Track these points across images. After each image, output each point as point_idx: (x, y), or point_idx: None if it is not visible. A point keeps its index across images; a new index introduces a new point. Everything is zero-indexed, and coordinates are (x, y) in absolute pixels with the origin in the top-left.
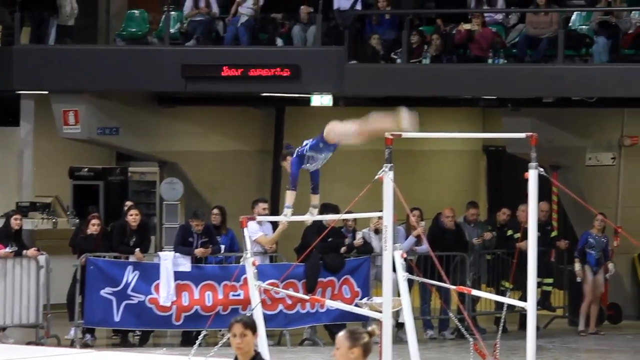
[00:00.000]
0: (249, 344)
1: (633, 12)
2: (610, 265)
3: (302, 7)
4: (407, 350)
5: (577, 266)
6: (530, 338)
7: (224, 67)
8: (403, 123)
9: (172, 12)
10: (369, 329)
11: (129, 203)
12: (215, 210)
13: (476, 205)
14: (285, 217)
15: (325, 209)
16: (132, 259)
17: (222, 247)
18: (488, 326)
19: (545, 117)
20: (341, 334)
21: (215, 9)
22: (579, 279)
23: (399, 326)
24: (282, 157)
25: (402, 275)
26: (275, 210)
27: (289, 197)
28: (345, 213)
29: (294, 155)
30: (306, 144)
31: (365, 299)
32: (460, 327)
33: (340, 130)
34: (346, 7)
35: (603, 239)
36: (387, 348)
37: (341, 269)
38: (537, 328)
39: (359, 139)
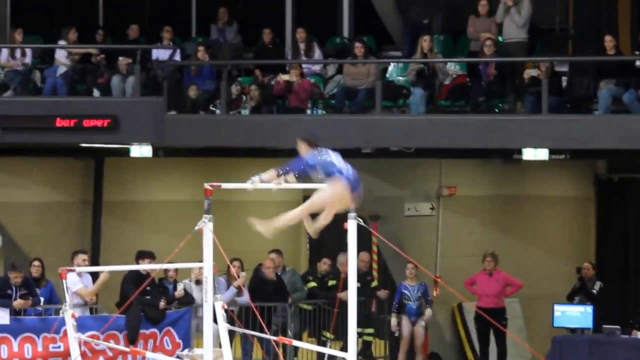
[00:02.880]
0: None
1: (449, 63)
2: (427, 312)
3: (120, 58)
4: None
5: (393, 320)
6: None
7: (40, 118)
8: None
9: None
10: None
11: None
12: (36, 262)
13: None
14: (252, 183)
15: (140, 255)
16: None
17: (42, 299)
18: None
19: (364, 168)
20: None
21: (28, 59)
22: (396, 334)
23: None
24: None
25: (224, 326)
26: (95, 261)
27: (269, 173)
28: (166, 263)
29: (307, 162)
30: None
31: (187, 350)
32: None
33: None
34: (165, 58)
35: (419, 288)
36: None
37: (162, 320)
38: None
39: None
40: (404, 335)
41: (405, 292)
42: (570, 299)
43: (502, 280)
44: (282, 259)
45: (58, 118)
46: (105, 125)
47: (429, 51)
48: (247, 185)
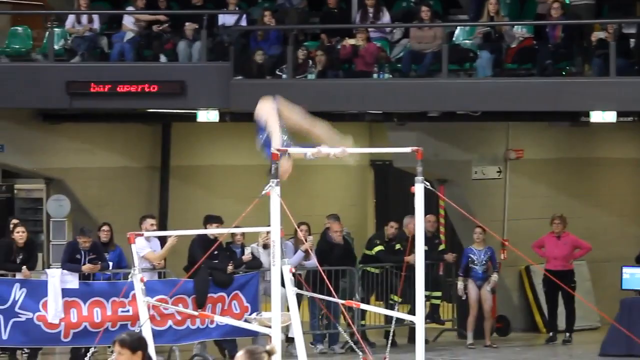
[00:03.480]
0: None
1: (516, 26)
2: (494, 277)
3: (186, 23)
4: None
5: (460, 284)
6: (419, 351)
7: (109, 84)
8: (341, 151)
9: (56, 29)
10: (268, 347)
11: (14, 221)
12: (105, 227)
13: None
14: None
15: (208, 220)
16: (19, 276)
17: (110, 263)
18: (377, 340)
19: (430, 131)
20: (240, 354)
21: (96, 25)
22: (463, 297)
23: (288, 341)
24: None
25: (291, 290)
26: (163, 226)
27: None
28: (234, 227)
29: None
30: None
31: (255, 314)
32: (349, 341)
33: (287, 113)
34: (231, 23)
35: (486, 252)
36: None
37: (230, 284)
38: (426, 341)
39: (293, 128)
40: (471, 299)
41: (472, 256)
42: (638, 261)
43: (571, 243)
44: (339, 223)
45: (125, 84)
46: (172, 90)
47: (495, 14)
48: (313, 150)
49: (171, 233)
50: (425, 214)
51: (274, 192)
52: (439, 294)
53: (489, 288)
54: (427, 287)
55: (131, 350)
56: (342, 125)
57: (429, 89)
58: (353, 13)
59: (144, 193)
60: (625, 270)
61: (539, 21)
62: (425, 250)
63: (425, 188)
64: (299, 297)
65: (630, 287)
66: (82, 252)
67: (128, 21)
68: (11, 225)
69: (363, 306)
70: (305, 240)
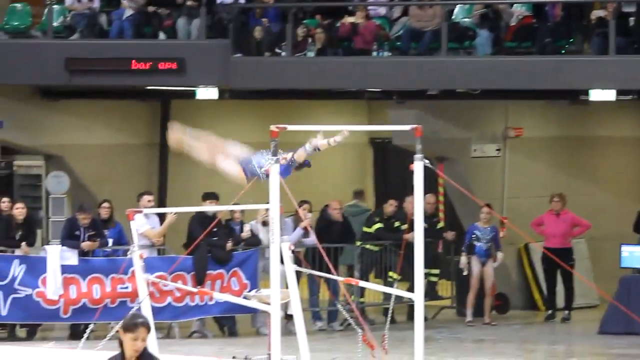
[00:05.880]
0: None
1: (515, 4)
2: (499, 255)
3: (186, 1)
4: (296, 342)
5: (463, 260)
6: (418, 329)
7: (108, 61)
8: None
9: (55, 6)
10: None
11: (5, 199)
12: (106, 204)
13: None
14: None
15: (206, 197)
16: (18, 252)
17: (110, 240)
18: (377, 317)
19: (430, 109)
20: None
21: (96, 3)
22: (464, 272)
23: (287, 318)
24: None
25: (290, 267)
26: (162, 202)
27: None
28: (233, 205)
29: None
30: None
31: (254, 291)
32: (348, 318)
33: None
34: (230, 1)
35: (491, 231)
36: (276, 340)
37: (229, 261)
38: (425, 319)
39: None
40: (474, 275)
41: (477, 232)
42: (636, 229)
43: (570, 221)
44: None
45: (124, 61)
46: (171, 67)
47: None
48: (313, 127)
49: (170, 210)
50: (425, 191)
51: (273, 169)
52: (437, 271)
53: (495, 264)
54: (426, 264)
55: (149, 329)
56: (340, 103)
57: (428, 67)
58: None
59: (143, 170)
60: (624, 248)
61: None
62: (425, 228)
63: (424, 166)
64: (298, 274)
65: (629, 265)
66: (82, 229)
67: None
68: (1, 204)
69: (362, 283)
70: (305, 218)
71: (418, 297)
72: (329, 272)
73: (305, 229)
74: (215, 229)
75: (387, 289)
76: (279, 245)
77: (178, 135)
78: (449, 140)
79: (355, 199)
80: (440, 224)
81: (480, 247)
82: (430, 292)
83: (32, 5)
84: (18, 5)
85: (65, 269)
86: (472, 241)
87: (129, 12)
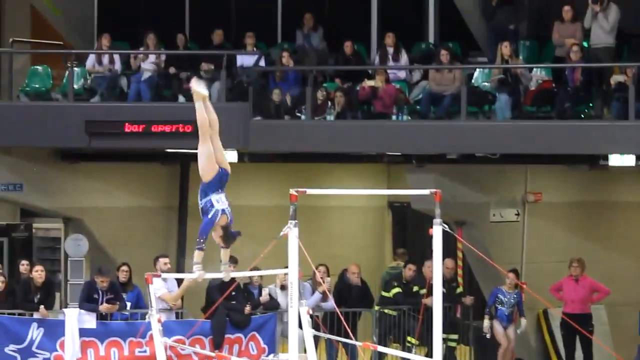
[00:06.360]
0: None
1: (535, 69)
2: (523, 321)
3: (202, 64)
4: None
5: (486, 322)
6: None
7: (127, 124)
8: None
9: (76, 68)
10: None
11: (24, 262)
12: (124, 267)
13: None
14: (197, 274)
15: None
16: (36, 315)
17: (129, 304)
18: None
19: (449, 173)
20: None
21: (117, 65)
22: (487, 336)
23: None
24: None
25: (309, 332)
26: (180, 266)
27: (197, 255)
28: (251, 269)
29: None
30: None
31: (272, 355)
32: None
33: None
34: (250, 64)
35: (514, 295)
36: None
37: (247, 325)
38: None
39: None
40: (499, 335)
41: (501, 296)
42: None
43: (589, 287)
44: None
45: (143, 124)
46: (190, 130)
47: (509, 57)
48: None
49: (188, 276)
50: (444, 256)
51: (291, 233)
52: (455, 336)
53: (519, 330)
54: (444, 329)
55: None
56: (359, 167)
57: (447, 131)
58: (372, 54)
59: (161, 233)
60: None
61: (556, 64)
62: (443, 293)
63: (443, 230)
64: (317, 338)
65: None
66: (100, 292)
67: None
68: (20, 266)
69: (380, 348)
70: (323, 282)
71: None
72: (347, 336)
73: (323, 293)
74: (233, 293)
75: (406, 354)
76: (298, 310)
77: (199, 91)
78: (467, 204)
79: (398, 259)
80: (459, 289)
81: (503, 311)
82: (449, 357)
83: (52, 67)
84: (39, 67)
85: (83, 332)
86: (495, 304)
87: (146, 75)
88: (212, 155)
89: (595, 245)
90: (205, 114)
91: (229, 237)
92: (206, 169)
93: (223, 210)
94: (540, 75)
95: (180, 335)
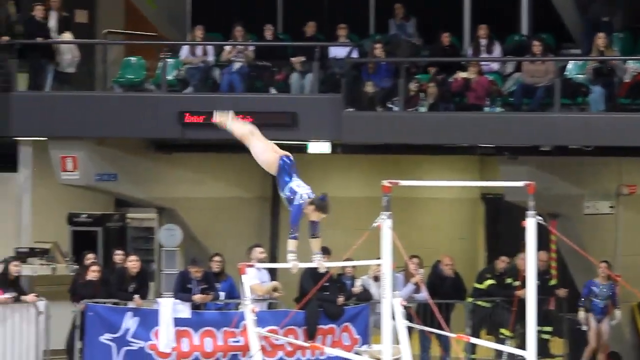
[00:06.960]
0: None
1: (629, 61)
2: (617, 312)
3: (294, 57)
4: None
5: (582, 314)
6: None
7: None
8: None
9: (169, 59)
10: None
11: (118, 251)
12: (217, 257)
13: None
14: (291, 264)
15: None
16: (131, 305)
17: (222, 294)
18: None
19: (542, 166)
20: None
21: (210, 56)
22: (584, 328)
23: None
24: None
25: (402, 323)
26: (273, 256)
27: (292, 244)
28: (344, 260)
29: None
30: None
31: (365, 346)
32: None
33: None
34: (342, 56)
35: (608, 287)
36: None
37: (341, 316)
38: None
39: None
40: (591, 332)
41: (595, 289)
42: None
43: None
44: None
45: (237, 115)
46: (284, 121)
47: (604, 48)
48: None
49: (281, 265)
50: (537, 248)
51: (385, 224)
52: (549, 329)
53: (613, 322)
54: (538, 322)
55: None
56: (452, 158)
57: (540, 123)
58: (465, 46)
59: (254, 224)
60: None
61: None
62: (537, 285)
63: (537, 223)
64: (410, 330)
65: None
66: (194, 282)
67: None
68: (115, 256)
69: (473, 340)
70: (416, 273)
71: (530, 354)
72: (440, 327)
73: (416, 284)
74: (326, 284)
75: (499, 346)
76: (391, 301)
77: (223, 119)
78: (561, 196)
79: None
80: (553, 281)
81: (597, 304)
82: (543, 350)
83: (146, 59)
84: (132, 58)
85: (177, 321)
86: (589, 296)
87: (237, 65)
88: (265, 148)
89: None
90: (244, 127)
91: (322, 205)
92: (268, 162)
93: (307, 194)
94: (635, 67)
95: (273, 325)
